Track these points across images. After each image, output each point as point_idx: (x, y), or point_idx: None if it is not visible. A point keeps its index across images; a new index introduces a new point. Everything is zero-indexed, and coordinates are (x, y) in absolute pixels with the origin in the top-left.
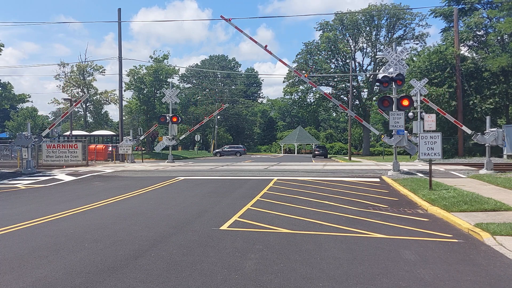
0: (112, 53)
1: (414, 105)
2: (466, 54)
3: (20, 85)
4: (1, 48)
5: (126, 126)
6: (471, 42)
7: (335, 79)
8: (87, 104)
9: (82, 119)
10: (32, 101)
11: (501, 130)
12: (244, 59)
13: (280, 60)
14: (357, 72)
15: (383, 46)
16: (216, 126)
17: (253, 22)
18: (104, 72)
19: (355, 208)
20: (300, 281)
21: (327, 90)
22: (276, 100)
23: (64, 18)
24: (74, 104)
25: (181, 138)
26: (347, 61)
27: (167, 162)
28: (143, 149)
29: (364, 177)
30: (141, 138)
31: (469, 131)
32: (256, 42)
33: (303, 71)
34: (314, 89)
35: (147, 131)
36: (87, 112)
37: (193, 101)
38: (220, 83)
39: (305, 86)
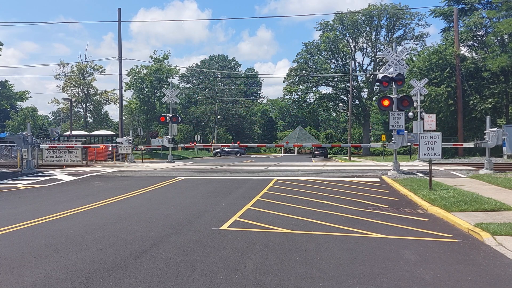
0: (112, 53)
1: (414, 105)
2: (466, 54)
3: (21, 85)
4: (0, 47)
5: (126, 126)
6: (471, 42)
7: (335, 79)
8: (87, 104)
9: (82, 119)
10: (31, 97)
11: (501, 130)
12: (244, 59)
13: None
14: (357, 72)
15: (383, 46)
16: (216, 126)
17: (253, 23)
18: (104, 72)
19: (355, 208)
20: (300, 281)
21: (327, 90)
22: (276, 100)
23: (64, 18)
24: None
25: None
26: (347, 61)
27: (167, 162)
28: (143, 149)
29: (364, 177)
30: (140, 147)
31: (471, 145)
32: None
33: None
34: (314, 88)
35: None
36: (87, 112)
37: (193, 101)
38: (220, 83)
39: (305, 86)
